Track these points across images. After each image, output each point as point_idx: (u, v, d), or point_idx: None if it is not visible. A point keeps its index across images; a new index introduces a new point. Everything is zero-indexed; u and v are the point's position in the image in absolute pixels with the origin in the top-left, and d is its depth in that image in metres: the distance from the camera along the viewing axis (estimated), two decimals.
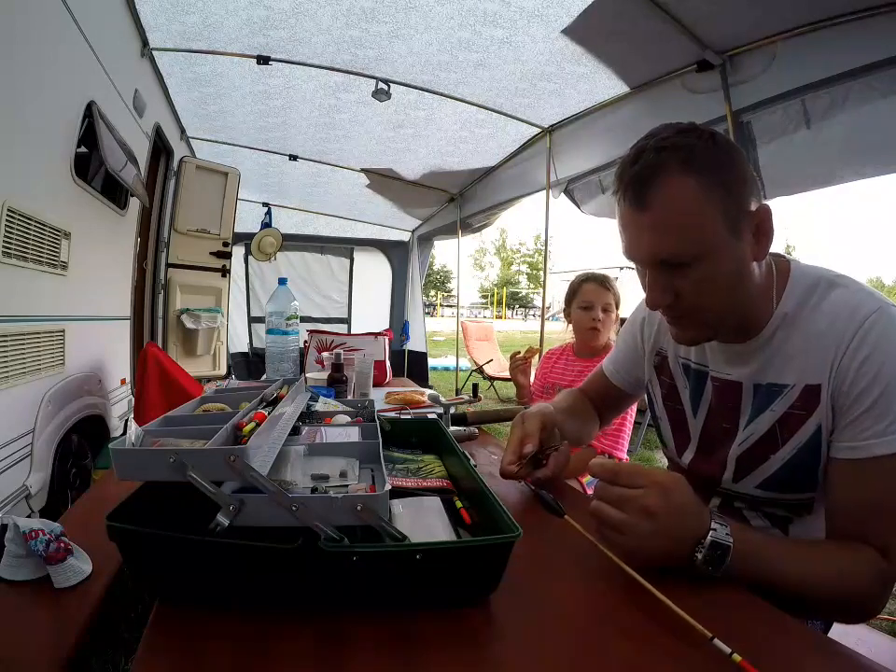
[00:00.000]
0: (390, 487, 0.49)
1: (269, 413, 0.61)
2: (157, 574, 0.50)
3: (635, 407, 1.68)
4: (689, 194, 0.60)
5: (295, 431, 0.75)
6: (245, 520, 0.47)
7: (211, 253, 3.69)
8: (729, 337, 0.73)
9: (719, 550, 0.56)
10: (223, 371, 3.84)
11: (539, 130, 3.39)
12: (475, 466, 0.69)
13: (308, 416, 0.88)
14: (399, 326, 6.29)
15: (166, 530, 0.46)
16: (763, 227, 0.64)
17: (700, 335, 0.71)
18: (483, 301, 42.12)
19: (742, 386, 0.73)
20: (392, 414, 1.34)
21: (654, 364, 0.89)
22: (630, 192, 0.63)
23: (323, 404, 0.97)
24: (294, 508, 0.46)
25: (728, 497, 0.79)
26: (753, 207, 0.63)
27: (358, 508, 0.46)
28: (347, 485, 0.57)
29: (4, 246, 1.45)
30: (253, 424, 0.57)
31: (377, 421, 0.80)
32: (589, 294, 1.78)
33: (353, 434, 0.76)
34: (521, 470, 0.76)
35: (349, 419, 0.87)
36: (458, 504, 0.64)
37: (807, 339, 0.67)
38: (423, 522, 0.58)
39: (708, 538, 0.56)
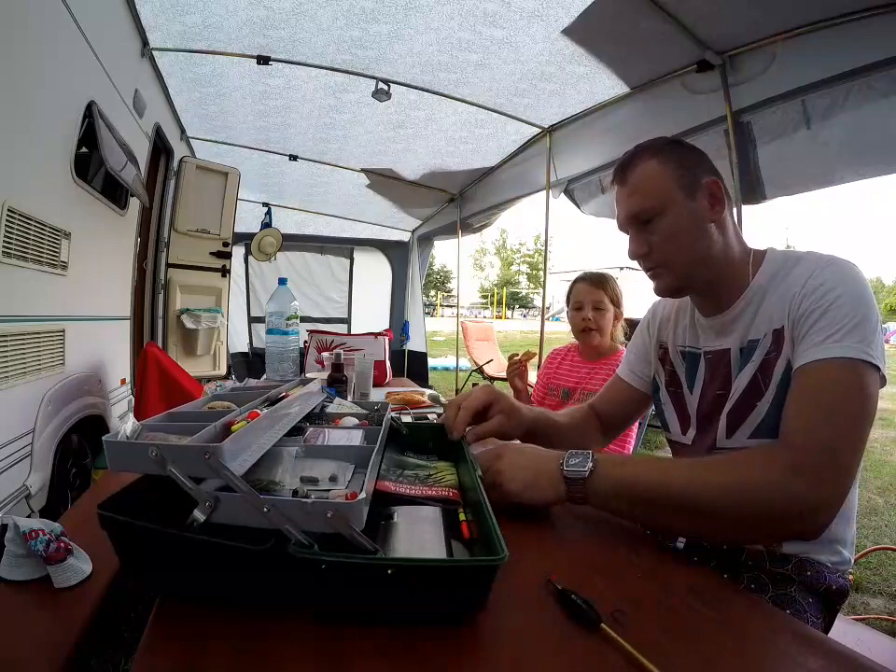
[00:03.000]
0: (364, 496, 0.47)
1: (269, 413, 0.61)
2: (143, 564, 0.50)
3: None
4: (651, 169, 0.81)
5: (298, 432, 0.74)
6: (222, 518, 0.46)
7: (211, 253, 3.68)
8: (709, 306, 0.87)
9: (580, 455, 0.69)
10: (223, 371, 3.84)
11: (539, 130, 3.39)
12: (480, 477, 0.66)
13: (319, 417, 0.88)
14: (398, 326, 6.29)
15: (157, 522, 0.46)
16: (714, 195, 0.81)
17: (672, 283, 0.84)
18: (483, 300, 42.10)
19: (730, 352, 0.84)
20: (408, 418, 1.33)
21: (658, 356, 1.00)
22: (616, 174, 0.86)
23: (337, 405, 0.96)
24: (266, 509, 0.45)
25: None
26: (705, 181, 0.81)
27: (329, 514, 0.45)
28: (330, 490, 0.55)
29: (4, 246, 1.45)
30: (243, 423, 0.56)
31: (383, 426, 0.79)
32: (579, 294, 1.75)
33: (356, 437, 0.75)
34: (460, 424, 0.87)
35: (357, 421, 0.86)
36: (462, 517, 0.61)
37: (775, 300, 0.78)
38: (416, 533, 0.56)
39: (566, 454, 0.70)
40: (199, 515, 0.46)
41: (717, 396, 0.84)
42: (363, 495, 0.48)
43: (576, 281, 1.80)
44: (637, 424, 1.65)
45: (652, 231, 0.81)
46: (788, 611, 0.73)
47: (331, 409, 0.94)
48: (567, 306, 1.82)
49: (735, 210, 2.29)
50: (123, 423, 0.52)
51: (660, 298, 0.98)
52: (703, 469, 0.67)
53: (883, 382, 0.68)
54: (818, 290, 0.72)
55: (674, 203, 0.79)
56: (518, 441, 0.86)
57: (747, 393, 0.79)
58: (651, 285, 0.89)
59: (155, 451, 0.46)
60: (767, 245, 0.86)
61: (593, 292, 1.73)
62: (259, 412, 0.61)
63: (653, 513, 0.66)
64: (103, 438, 0.49)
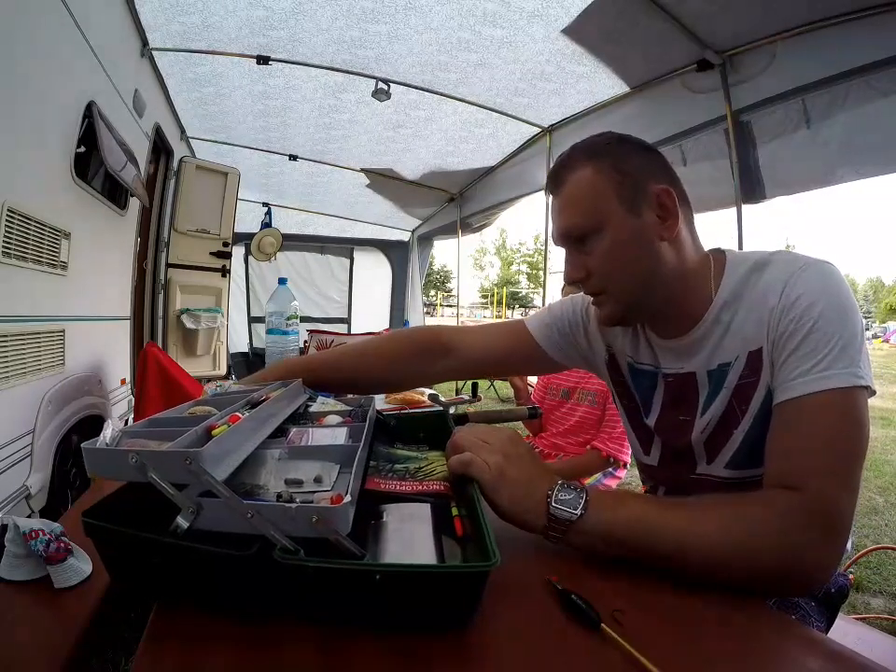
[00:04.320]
0: (349, 499, 0.47)
1: (250, 416, 0.61)
2: (128, 571, 0.50)
3: None
4: (585, 178, 0.69)
5: (281, 433, 0.73)
6: (205, 524, 0.46)
7: (211, 253, 3.68)
8: (665, 329, 0.76)
9: (570, 491, 0.58)
10: (223, 370, 3.84)
11: (539, 129, 3.39)
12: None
13: (303, 417, 0.87)
14: (399, 326, 6.28)
15: (145, 527, 0.46)
16: (665, 206, 0.68)
17: (615, 312, 0.74)
18: (483, 300, 42.06)
19: (696, 375, 0.74)
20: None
21: (605, 361, 0.88)
22: (549, 183, 0.74)
23: (321, 404, 0.95)
24: (249, 515, 0.44)
25: (703, 489, 0.77)
26: (654, 189, 0.68)
27: (314, 519, 0.44)
28: (315, 493, 0.54)
29: (4, 246, 1.45)
30: (225, 427, 0.55)
31: (367, 421, 0.78)
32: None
33: (340, 435, 0.73)
34: None
35: (340, 419, 0.84)
36: (454, 511, 0.60)
37: (747, 315, 0.68)
38: (406, 533, 0.54)
39: (556, 484, 0.59)
40: (182, 522, 0.45)
41: (680, 421, 0.76)
42: (348, 498, 0.47)
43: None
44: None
45: (589, 252, 0.70)
46: (794, 616, 0.73)
47: (315, 408, 0.92)
48: None
49: (737, 213, 2.29)
50: (104, 429, 0.52)
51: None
52: (699, 523, 0.57)
53: (872, 393, 0.63)
54: (796, 304, 0.63)
55: (612, 220, 0.68)
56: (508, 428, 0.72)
57: (722, 422, 0.71)
58: None
59: (135, 457, 0.45)
60: (728, 247, 0.77)
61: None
62: (240, 415, 0.61)
63: (644, 563, 0.57)
64: (82, 445, 0.48)
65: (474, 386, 1.49)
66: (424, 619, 0.47)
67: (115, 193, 2.43)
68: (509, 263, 47.13)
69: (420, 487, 0.65)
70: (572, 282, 0.75)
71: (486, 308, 38.93)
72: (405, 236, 6.26)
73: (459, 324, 6.44)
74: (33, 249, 1.62)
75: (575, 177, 0.70)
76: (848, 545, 0.80)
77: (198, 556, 0.46)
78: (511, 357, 0.96)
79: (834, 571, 0.59)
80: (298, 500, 0.49)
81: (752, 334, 0.67)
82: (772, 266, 0.68)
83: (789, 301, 0.64)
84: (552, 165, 0.76)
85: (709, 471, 0.75)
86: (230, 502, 0.45)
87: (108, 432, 0.51)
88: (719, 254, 0.74)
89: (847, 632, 1.39)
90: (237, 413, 0.61)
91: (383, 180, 4.55)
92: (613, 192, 0.68)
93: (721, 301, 0.70)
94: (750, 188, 2.29)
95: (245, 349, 5.99)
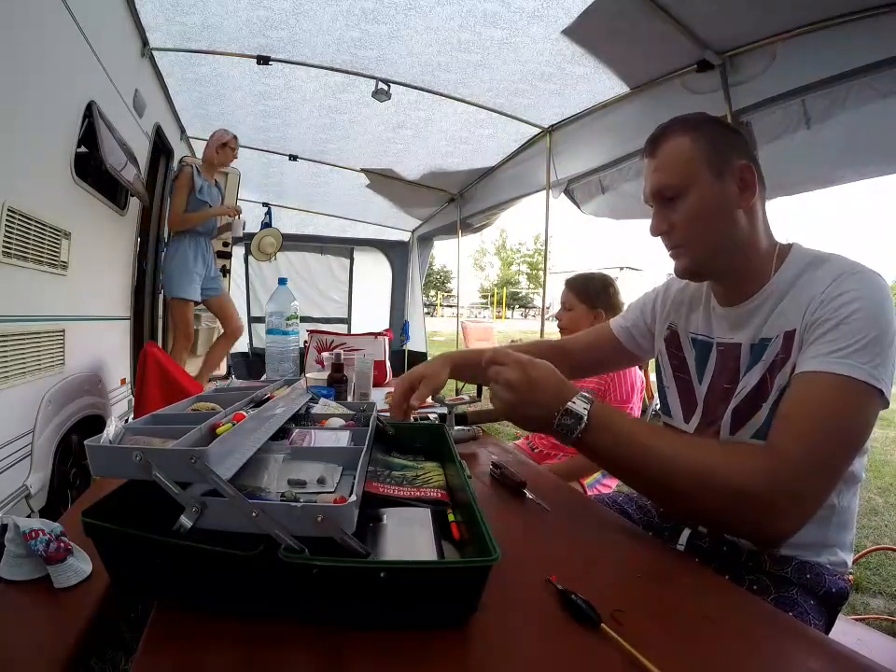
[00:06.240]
0: (354, 500, 0.47)
1: (255, 415, 0.60)
2: (129, 572, 0.49)
3: (640, 405, 1.70)
4: (681, 145, 0.79)
5: (284, 434, 0.73)
6: (209, 523, 0.46)
7: None
8: (727, 295, 0.85)
9: (571, 417, 0.69)
10: (223, 370, 3.84)
11: (539, 130, 3.38)
12: (469, 477, 0.65)
13: (305, 418, 0.87)
14: (398, 326, 6.28)
15: (145, 527, 0.46)
16: (745, 179, 0.78)
17: (689, 265, 0.83)
18: (483, 300, 42.04)
19: (741, 347, 0.81)
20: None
21: (665, 337, 0.97)
22: (647, 146, 0.84)
23: (323, 406, 0.96)
24: (254, 514, 0.44)
25: None
26: (738, 164, 0.78)
27: (319, 519, 0.44)
28: (319, 493, 0.55)
29: (4, 246, 1.45)
30: (229, 425, 0.55)
31: (370, 426, 0.78)
32: (561, 297, 1.87)
33: (343, 438, 0.73)
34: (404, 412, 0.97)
35: (343, 422, 0.85)
36: (451, 518, 0.61)
37: (793, 300, 0.75)
38: (406, 535, 0.55)
39: (563, 407, 0.70)
40: (185, 521, 0.45)
41: (724, 389, 0.83)
42: (353, 498, 0.47)
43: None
44: (641, 411, 1.68)
45: (675, 210, 0.80)
46: (791, 614, 0.73)
47: (317, 410, 0.92)
48: None
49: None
50: (107, 426, 0.51)
51: (675, 277, 0.94)
52: (687, 444, 0.70)
53: (885, 404, 0.66)
54: (836, 300, 0.68)
55: (699, 182, 0.78)
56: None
57: (754, 393, 0.77)
58: (650, 284, 0.88)
59: (140, 456, 0.45)
60: (788, 240, 0.83)
61: (565, 293, 1.83)
62: (244, 413, 0.61)
63: (630, 473, 0.71)
64: (85, 442, 0.47)
65: (479, 387, 1.49)
66: (426, 617, 0.47)
67: (115, 193, 2.43)
68: (509, 263, 47.06)
69: (418, 493, 0.66)
70: (657, 234, 0.84)
71: (486, 308, 38.88)
72: (405, 236, 6.26)
73: (459, 325, 6.44)
74: (33, 249, 1.62)
75: (673, 143, 0.80)
76: (844, 555, 0.80)
77: (200, 557, 0.45)
78: (601, 353, 1.11)
79: (794, 529, 0.64)
80: (302, 501, 0.49)
81: (792, 317, 0.74)
82: (828, 264, 0.75)
83: (831, 294, 0.70)
84: (652, 132, 0.84)
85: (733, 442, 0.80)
86: (235, 501, 0.45)
87: (111, 429, 0.51)
88: (786, 245, 0.82)
89: (846, 632, 1.39)
90: (241, 412, 0.61)
91: (383, 180, 4.55)
92: (704, 160, 0.78)
93: (776, 282, 0.78)
94: None
95: (245, 349, 6.00)
